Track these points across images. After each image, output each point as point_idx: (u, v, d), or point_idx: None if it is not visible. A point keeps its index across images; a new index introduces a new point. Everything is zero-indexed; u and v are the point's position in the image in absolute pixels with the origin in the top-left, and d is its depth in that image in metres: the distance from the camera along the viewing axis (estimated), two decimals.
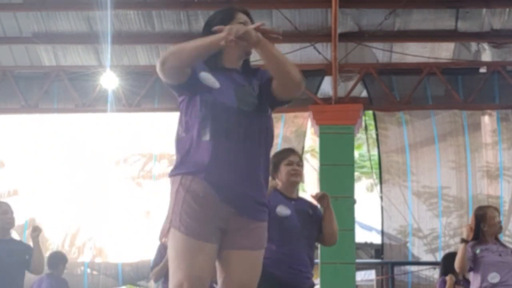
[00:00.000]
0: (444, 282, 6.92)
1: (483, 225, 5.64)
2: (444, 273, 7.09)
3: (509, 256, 5.64)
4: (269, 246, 3.84)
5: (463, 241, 5.62)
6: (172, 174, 2.93)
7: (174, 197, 2.87)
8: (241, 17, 3.05)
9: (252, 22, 3.09)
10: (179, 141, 2.93)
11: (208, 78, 2.93)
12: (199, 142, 2.86)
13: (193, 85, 2.90)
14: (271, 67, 2.96)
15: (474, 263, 5.58)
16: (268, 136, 3.04)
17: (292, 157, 4.48)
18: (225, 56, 3.03)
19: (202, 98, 2.89)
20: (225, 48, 2.94)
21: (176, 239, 2.85)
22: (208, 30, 2.97)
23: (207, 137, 2.85)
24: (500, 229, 5.82)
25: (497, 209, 5.95)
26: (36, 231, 6.14)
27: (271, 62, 2.96)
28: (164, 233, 3.07)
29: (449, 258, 7.08)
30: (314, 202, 4.64)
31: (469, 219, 6.05)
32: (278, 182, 4.43)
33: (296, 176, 4.45)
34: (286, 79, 3.00)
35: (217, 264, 2.95)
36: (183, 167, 2.88)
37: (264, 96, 3.05)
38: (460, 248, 5.64)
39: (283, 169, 4.43)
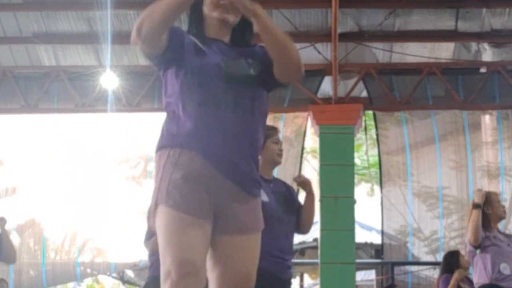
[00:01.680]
0: (447, 280, 6.81)
1: (487, 208, 5.42)
2: (446, 271, 7.01)
3: None
4: None
5: (477, 206, 5.29)
6: (158, 149, 2.69)
7: (161, 173, 2.62)
8: None
9: None
10: (166, 114, 2.73)
11: (193, 45, 2.73)
12: (185, 111, 2.64)
13: (176, 52, 2.70)
14: (267, 42, 2.75)
15: (482, 249, 5.36)
16: (262, 104, 2.78)
17: (277, 136, 4.33)
18: (208, 26, 2.83)
19: (187, 65, 2.68)
20: (205, 15, 2.80)
21: (164, 216, 2.58)
22: None
23: (193, 105, 2.64)
24: (504, 213, 5.64)
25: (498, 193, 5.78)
26: (2, 220, 6.20)
27: (267, 37, 2.75)
28: (151, 214, 2.73)
29: (451, 256, 7.02)
30: (292, 185, 4.52)
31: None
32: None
33: (281, 157, 4.30)
34: (283, 58, 2.82)
35: (209, 254, 2.64)
36: (170, 140, 2.66)
37: (264, 72, 2.78)
38: (473, 214, 5.33)
39: (270, 146, 4.19)
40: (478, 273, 5.43)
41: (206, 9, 2.82)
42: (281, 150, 4.29)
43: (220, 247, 2.65)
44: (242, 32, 2.91)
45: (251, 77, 2.74)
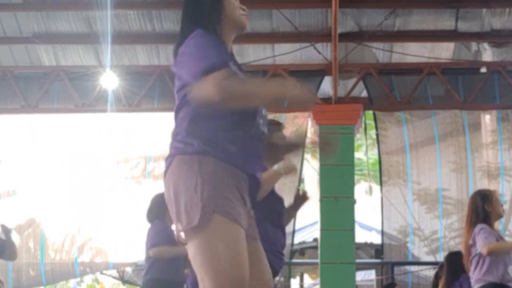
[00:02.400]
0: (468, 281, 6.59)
1: (487, 205, 5.39)
2: (453, 273, 6.90)
3: None
4: (266, 230, 3.82)
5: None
6: (198, 152, 2.54)
7: (209, 178, 2.47)
8: None
9: None
10: (207, 118, 2.59)
11: (236, 70, 2.69)
12: (236, 129, 2.60)
13: None
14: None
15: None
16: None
17: (283, 132, 4.35)
18: (224, 29, 2.78)
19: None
20: (225, 23, 2.75)
21: (225, 230, 2.42)
22: (195, 7, 2.76)
23: (241, 128, 2.62)
24: (503, 212, 5.61)
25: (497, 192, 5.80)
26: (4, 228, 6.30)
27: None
28: (189, 223, 2.47)
29: (458, 257, 6.82)
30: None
31: None
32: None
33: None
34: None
35: None
36: (217, 148, 2.54)
37: None
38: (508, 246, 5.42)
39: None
40: (485, 271, 5.38)
41: (234, 11, 2.79)
42: None
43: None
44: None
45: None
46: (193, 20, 2.75)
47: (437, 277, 7.57)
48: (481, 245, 5.23)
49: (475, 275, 5.39)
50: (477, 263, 5.38)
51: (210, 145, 2.53)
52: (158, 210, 5.77)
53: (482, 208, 5.41)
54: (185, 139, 2.57)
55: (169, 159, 2.61)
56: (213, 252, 2.41)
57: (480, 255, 5.33)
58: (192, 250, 2.48)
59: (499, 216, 5.52)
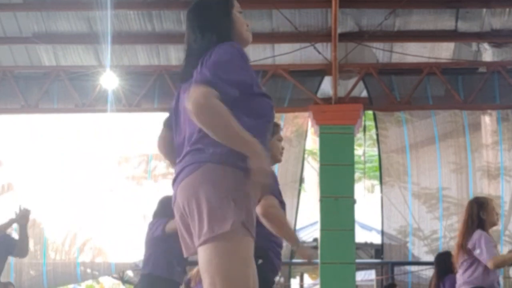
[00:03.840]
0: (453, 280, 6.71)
1: (482, 213, 5.46)
2: (445, 272, 6.97)
3: None
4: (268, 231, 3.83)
5: None
6: (227, 163, 2.56)
7: (240, 189, 2.52)
8: (237, 4, 2.88)
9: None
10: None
11: (256, 78, 2.74)
12: (264, 139, 2.64)
13: (260, 91, 2.71)
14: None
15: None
16: None
17: (280, 133, 4.32)
18: (241, 41, 2.85)
19: (264, 103, 2.70)
20: (233, 38, 2.77)
21: (245, 244, 2.51)
22: (214, 13, 2.79)
23: (266, 140, 2.68)
24: (497, 220, 5.69)
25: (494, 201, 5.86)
26: (26, 212, 6.26)
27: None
28: (213, 232, 2.50)
29: (448, 257, 6.95)
30: None
31: None
32: None
33: (282, 155, 4.31)
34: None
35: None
36: (241, 161, 2.53)
37: None
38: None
39: (276, 144, 4.15)
40: (477, 275, 5.43)
41: (241, 27, 2.84)
42: (283, 148, 4.31)
43: None
44: None
45: None
46: (210, 32, 2.76)
47: (438, 278, 7.60)
48: (486, 259, 5.31)
49: (465, 277, 5.45)
50: (470, 266, 5.44)
51: (236, 155, 2.54)
52: (164, 211, 5.76)
53: (477, 215, 5.50)
54: (212, 148, 2.58)
55: (193, 165, 2.59)
56: (232, 260, 2.49)
57: (475, 259, 5.38)
58: (208, 255, 2.51)
59: (493, 224, 5.61)
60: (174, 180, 2.68)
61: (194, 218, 2.55)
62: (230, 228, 2.47)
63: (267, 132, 2.72)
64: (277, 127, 4.29)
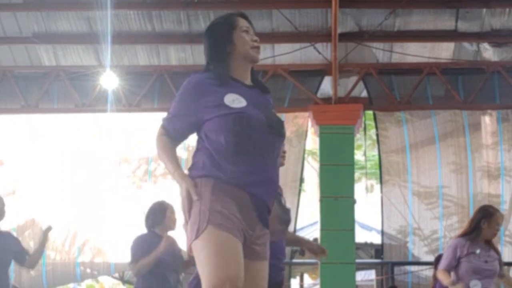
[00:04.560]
0: None
1: (483, 221, 5.50)
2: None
3: (495, 262, 5.54)
4: (281, 243, 3.84)
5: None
6: (201, 176, 2.89)
7: (208, 196, 2.82)
8: (243, 23, 3.06)
9: (251, 24, 3.12)
10: (209, 144, 2.93)
11: (235, 98, 2.92)
12: (234, 153, 2.87)
13: (216, 113, 2.91)
14: None
15: (457, 264, 5.50)
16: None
17: None
18: (237, 66, 3.03)
19: (231, 115, 2.89)
20: (231, 58, 3.01)
21: (215, 237, 2.75)
22: (212, 37, 3.04)
23: (241, 151, 2.88)
24: (494, 236, 5.72)
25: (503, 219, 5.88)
26: (48, 229, 6.29)
27: None
28: (192, 237, 2.85)
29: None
30: None
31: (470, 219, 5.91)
32: None
33: (284, 159, 4.36)
34: None
35: None
36: (216, 171, 2.87)
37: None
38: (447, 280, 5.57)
39: None
40: (459, 277, 5.53)
41: (244, 46, 3.02)
42: (285, 152, 4.34)
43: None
44: (257, 76, 3.16)
45: (281, 127, 3.05)
46: (207, 56, 3.07)
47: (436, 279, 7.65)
48: (439, 267, 5.57)
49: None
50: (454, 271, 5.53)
51: (208, 168, 2.88)
52: (155, 218, 5.77)
53: (479, 221, 5.54)
54: (194, 165, 2.96)
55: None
56: (205, 255, 2.76)
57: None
58: (194, 257, 2.85)
59: (491, 237, 5.61)
60: None
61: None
62: (197, 233, 2.79)
63: (248, 142, 2.88)
64: None
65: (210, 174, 2.86)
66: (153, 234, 5.70)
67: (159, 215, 5.68)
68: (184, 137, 3.02)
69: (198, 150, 2.97)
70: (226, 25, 3.03)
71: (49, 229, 6.41)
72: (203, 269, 2.75)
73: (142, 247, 5.60)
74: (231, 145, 2.87)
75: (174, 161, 2.96)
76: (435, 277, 7.13)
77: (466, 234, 5.56)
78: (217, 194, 2.81)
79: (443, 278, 5.58)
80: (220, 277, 2.69)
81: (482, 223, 5.51)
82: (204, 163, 2.89)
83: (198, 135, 2.98)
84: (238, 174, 2.86)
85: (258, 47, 3.06)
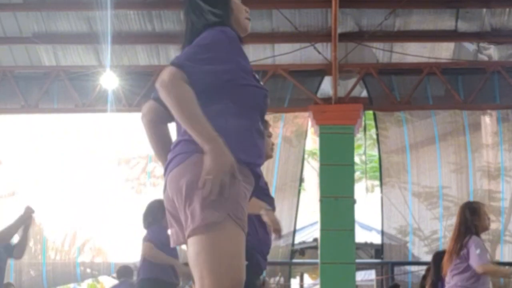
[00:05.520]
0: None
1: (474, 218, 5.51)
2: (439, 273, 7.03)
3: None
4: (257, 231, 3.81)
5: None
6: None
7: (232, 184, 2.45)
8: None
9: None
10: (235, 115, 2.58)
11: (248, 67, 2.66)
12: (257, 132, 2.62)
13: (252, 82, 2.65)
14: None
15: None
16: None
17: (269, 130, 4.30)
18: (239, 28, 2.75)
19: (256, 92, 2.65)
20: (235, 20, 2.75)
21: (234, 235, 2.47)
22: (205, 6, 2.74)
23: (261, 130, 2.65)
24: (489, 225, 5.75)
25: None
26: (30, 218, 6.24)
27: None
28: (202, 223, 2.43)
29: (440, 256, 7.02)
30: None
31: None
32: None
33: (272, 151, 4.31)
34: None
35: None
36: (239, 151, 2.50)
37: None
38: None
39: (265, 141, 4.16)
40: (468, 278, 5.50)
41: (240, 14, 2.79)
42: (273, 144, 4.31)
43: None
44: None
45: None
46: (206, 18, 2.73)
47: (424, 279, 7.66)
48: (477, 264, 5.38)
49: (455, 279, 5.50)
50: (463, 271, 5.50)
51: (229, 147, 2.48)
52: (154, 216, 5.77)
53: (471, 220, 5.55)
54: None
55: (182, 155, 2.55)
56: (219, 252, 2.46)
57: (465, 266, 5.48)
58: (196, 248, 2.49)
59: (485, 229, 5.68)
60: (165, 169, 2.63)
61: (182, 209, 2.51)
62: (216, 219, 2.44)
63: (258, 121, 2.67)
64: (265, 123, 4.23)
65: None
66: (160, 226, 5.70)
67: (158, 213, 5.67)
68: (200, 94, 2.49)
69: (211, 118, 2.51)
70: None
71: (29, 211, 6.36)
72: (211, 267, 2.45)
73: (157, 235, 5.60)
74: (256, 123, 2.63)
75: (206, 121, 2.44)
76: (435, 275, 7.14)
77: (476, 234, 5.55)
78: (240, 182, 2.50)
79: (495, 269, 5.56)
80: (234, 278, 2.46)
81: (474, 220, 5.54)
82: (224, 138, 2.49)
83: (216, 97, 2.58)
84: (255, 156, 2.60)
85: (249, 19, 2.83)
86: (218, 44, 2.58)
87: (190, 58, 2.52)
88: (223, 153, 2.41)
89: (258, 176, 2.67)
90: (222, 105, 2.57)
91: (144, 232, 5.90)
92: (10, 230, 6.25)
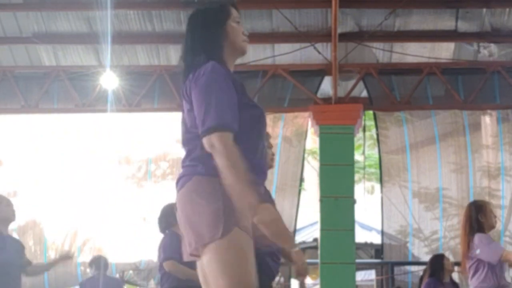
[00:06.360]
0: (430, 285, 6.95)
1: (480, 216, 5.53)
2: (431, 274, 7.12)
3: None
4: None
5: None
6: (218, 175, 2.70)
7: (230, 197, 2.64)
8: (235, 13, 2.94)
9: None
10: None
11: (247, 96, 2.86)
12: (258, 151, 2.80)
13: (249, 110, 2.81)
14: None
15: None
16: None
17: (269, 140, 4.36)
18: (226, 58, 2.88)
19: (253, 113, 2.80)
20: (227, 49, 2.87)
21: (243, 241, 2.62)
22: (206, 25, 2.86)
23: (260, 148, 2.82)
24: (495, 223, 5.74)
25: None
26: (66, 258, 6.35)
27: None
28: (211, 237, 2.62)
29: (436, 260, 7.18)
30: None
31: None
32: None
33: (273, 161, 4.44)
34: None
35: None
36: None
37: None
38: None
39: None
40: (483, 278, 5.48)
41: (236, 38, 2.88)
42: (273, 155, 4.41)
43: None
44: None
45: None
46: (200, 48, 2.84)
47: (421, 280, 7.74)
48: (493, 256, 5.36)
49: (473, 282, 5.52)
50: (475, 271, 5.49)
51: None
52: (167, 220, 5.82)
53: (476, 218, 5.56)
54: (204, 161, 2.71)
55: (186, 177, 2.74)
56: (230, 260, 2.60)
57: (477, 264, 5.43)
58: (208, 258, 2.64)
59: (492, 227, 5.67)
60: (176, 185, 2.83)
61: (186, 228, 2.72)
62: (222, 233, 2.60)
63: (261, 139, 2.82)
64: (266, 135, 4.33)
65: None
66: (172, 232, 5.73)
67: (171, 216, 5.70)
68: None
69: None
70: (221, 13, 2.89)
71: (68, 256, 6.47)
72: (224, 274, 2.59)
73: (171, 247, 5.64)
74: (258, 142, 2.80)
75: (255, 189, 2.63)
76: (421, 279, 7.23)
77: (481, 231, 5.53)
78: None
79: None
80: (246, 285, 2.59)
81: (480, 218, 5.54)
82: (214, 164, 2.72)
83: None
84: (260, 171, 2.78)
85: (247, 41, 2.94)
86: (219, 83, 2.71)
87: (219, 115, 2.64)
88: (276, 221, 2.57)
89: (259, 194, 2.75)
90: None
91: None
92: (43, 269, 6.48)
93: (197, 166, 2.72)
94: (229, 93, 2.70)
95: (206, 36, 2.85)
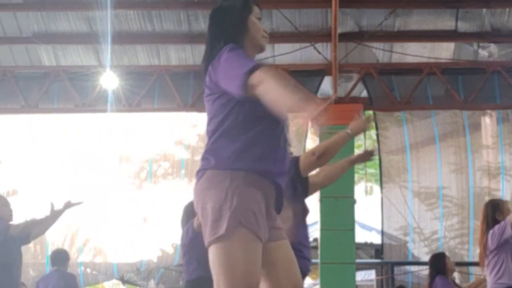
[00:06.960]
0: (443, 280, 6.91)
1: (498, 214, 5.54)
2: (437, 273, 7.10)
3: None
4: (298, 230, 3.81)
5: None
6: (232, 168, 2.69)
7: (238, 192, 2.64)
8: (257, 10, 2.99)
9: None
10: (234, 133, 2.75)
11: None
12: (269, 141, 2.79)
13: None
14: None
15: (502, 250, 5.45)
16: None
17: None
18: (247, 46, 2.94)
19: (261, 108, 2.74)
20: (247, 43, 2.92)
21: (248, 241, 2.61)
22: (229, 18, 2.91)
23: (273, 140, 2.82)
24: None
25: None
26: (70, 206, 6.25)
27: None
28: (217, 234, 2.63)
29: (438, 259, 7.17)
30: None
31: (470, 220, 5.96)
32: None
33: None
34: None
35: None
36: (250, 162, 2.70)
37: None
38: None
39: None
40: (501, 275, 5.48)
41: (256, 33, 2.95)
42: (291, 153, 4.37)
43: (269, 254, 2.75)
44: None
45: None
46: (220, 38, 2.88)
47: (431, 280, 7.71)
48: (505, 223, 5.35)
49: (491, 279, 5.51)
50: (493, 268, 5.49)
51: (241, 160, 2.70)
52: (187, 218, 5.84)
53: (493, 216, 5.59)
54: (217, 154, 2.74)
55: (201, 172, 2.78)
56: (232, 260, 2.61)
57: (496, 260, 5.44)
58: (212, 255, 2.67)
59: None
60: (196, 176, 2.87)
61: (202, 221, 2.74)
62: (225, 230, 2.60)
63: (271, 129, 2.83)
64: None
65: (241, 167, 2.69)
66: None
67: (192, 214, 5.71)
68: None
69: (221, 135, 2.76)
70: (244, 8, 2.94)
71: (72, 204, 6.39)
72: (226, 275, 2.60)
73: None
74: (267, 132, 2.77)
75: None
76: (430, 277, 7.20)
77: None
78: (249, 189, 2.66)
79: None
80: (249, 285, 2.59)
81: (497, 216, 5.56)
82: (234, 152, 2.71)
83: (225, 112, 2.77)
84: (270, 165, 2.74)
85: (267, 38, 3.02)
86: (239, 53, 2.80)
87: (247, 64, 2.69)
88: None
89: (279, 186, 2.79)
90: (219, 127, 2.77)
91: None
92: (47, 224, 6.25)
93: (210, 160, 2.74)
94: (251, 60, 2.75)
95: (227, 29, 2.90)
